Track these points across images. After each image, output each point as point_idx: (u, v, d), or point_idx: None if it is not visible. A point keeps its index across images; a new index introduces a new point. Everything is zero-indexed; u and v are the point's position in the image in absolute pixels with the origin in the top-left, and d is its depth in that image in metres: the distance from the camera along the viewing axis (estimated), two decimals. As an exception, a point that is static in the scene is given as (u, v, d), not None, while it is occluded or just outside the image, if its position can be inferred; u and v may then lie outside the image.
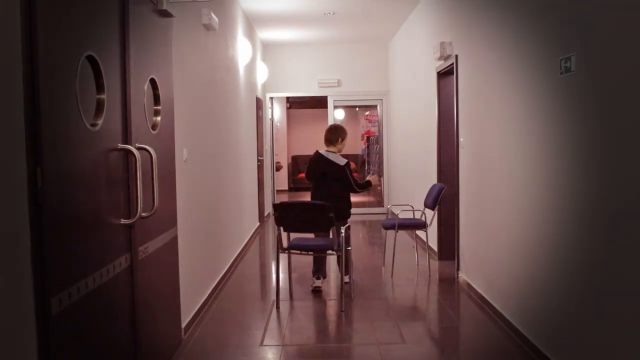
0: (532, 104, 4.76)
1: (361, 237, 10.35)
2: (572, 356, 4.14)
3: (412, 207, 8.77)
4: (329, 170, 6.85)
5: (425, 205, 7.78)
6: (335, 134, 7.03)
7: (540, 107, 4.61)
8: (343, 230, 6.35)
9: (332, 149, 7.00)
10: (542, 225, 4.62)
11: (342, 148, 7.04)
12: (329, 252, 6.46)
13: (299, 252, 6.53)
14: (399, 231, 7.74)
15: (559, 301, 4.32)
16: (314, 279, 6.92)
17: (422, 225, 7.63)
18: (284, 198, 17.61)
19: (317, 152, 7.02)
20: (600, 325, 3.73)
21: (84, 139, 3.03)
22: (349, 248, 6.60)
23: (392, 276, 7.47)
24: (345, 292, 6.45)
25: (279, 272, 6.56)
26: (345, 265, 6.79)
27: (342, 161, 6.90)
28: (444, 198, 7.63)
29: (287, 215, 6.37)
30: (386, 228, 7.81)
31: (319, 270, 6.98)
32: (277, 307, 6.24)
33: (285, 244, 6.53)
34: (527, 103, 4.88)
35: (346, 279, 6.93)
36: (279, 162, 8.48)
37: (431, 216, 7.50)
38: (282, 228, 6.45)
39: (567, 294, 4.18)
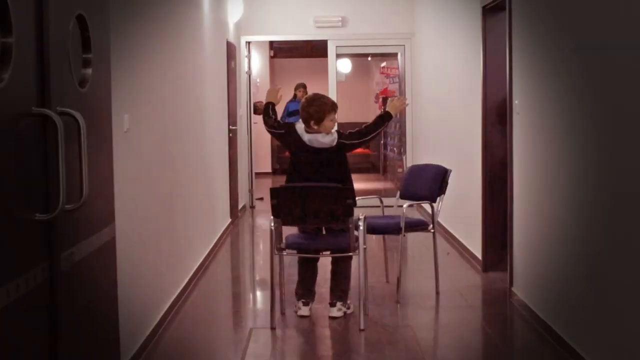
0: (617, 50, 4.74)
1: (374, 237, 10.35)
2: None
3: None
4: (319, 160, 6.64)
5: (407, 197, 7.76)
6: (321, 107, 6.67)
7: (628, 54, 4.58)
8: (362, 223, 6.39)
9: (316, 129, 6.65)
10: (638, 224, 4.61)
11: (333, 126, 6.78)
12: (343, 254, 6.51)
13: (301, 253, 6.62)
14: (426, 233, 7.73)
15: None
16: (300, 303, 6.74)
17: (424, 226, 7.61)
18: (266, 183, 17.55)
19: (293, 128, 6.78)
20: None
21: (-18, 100, 3.01)
22: (365, 247, 6.61)
23: (397, 295, 7.47)
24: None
25: (273, 281, 6.52)
26: (339, 280, 6.73)
27: (332, 138, 6.62)
28: (493, 189, 7.63)
29: (289, 204, 6.39)
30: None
31: (308, 291, 6.81)
32: (273, 328, 6.32)
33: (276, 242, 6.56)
34: (610, 50, 4.86)
35: (341, 307, 6.71)
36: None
37: (436, 211, 7.43)
38: (279, 221, 6.46)
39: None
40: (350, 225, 6.31)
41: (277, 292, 6.72)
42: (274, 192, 6.40)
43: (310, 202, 6.31)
